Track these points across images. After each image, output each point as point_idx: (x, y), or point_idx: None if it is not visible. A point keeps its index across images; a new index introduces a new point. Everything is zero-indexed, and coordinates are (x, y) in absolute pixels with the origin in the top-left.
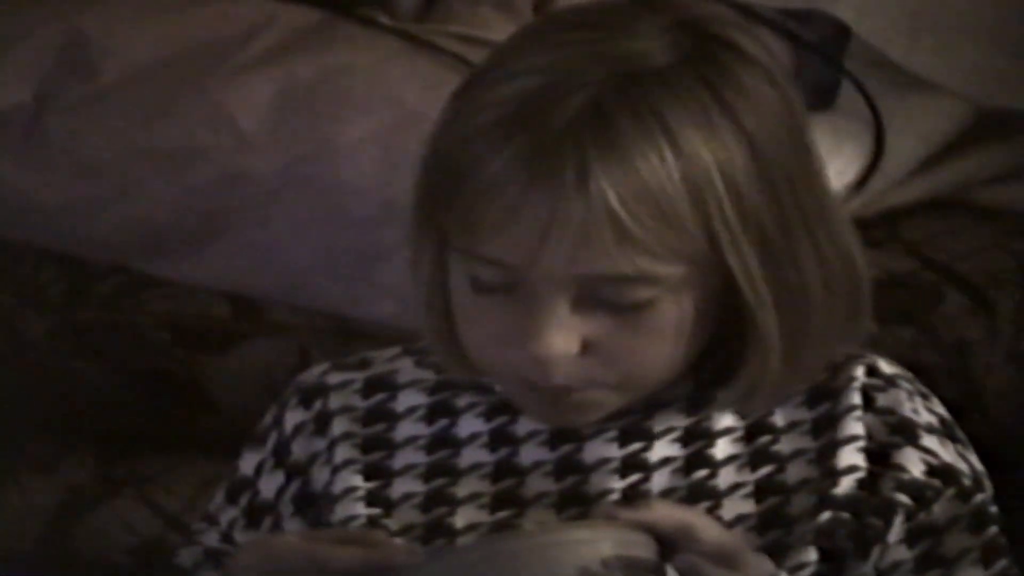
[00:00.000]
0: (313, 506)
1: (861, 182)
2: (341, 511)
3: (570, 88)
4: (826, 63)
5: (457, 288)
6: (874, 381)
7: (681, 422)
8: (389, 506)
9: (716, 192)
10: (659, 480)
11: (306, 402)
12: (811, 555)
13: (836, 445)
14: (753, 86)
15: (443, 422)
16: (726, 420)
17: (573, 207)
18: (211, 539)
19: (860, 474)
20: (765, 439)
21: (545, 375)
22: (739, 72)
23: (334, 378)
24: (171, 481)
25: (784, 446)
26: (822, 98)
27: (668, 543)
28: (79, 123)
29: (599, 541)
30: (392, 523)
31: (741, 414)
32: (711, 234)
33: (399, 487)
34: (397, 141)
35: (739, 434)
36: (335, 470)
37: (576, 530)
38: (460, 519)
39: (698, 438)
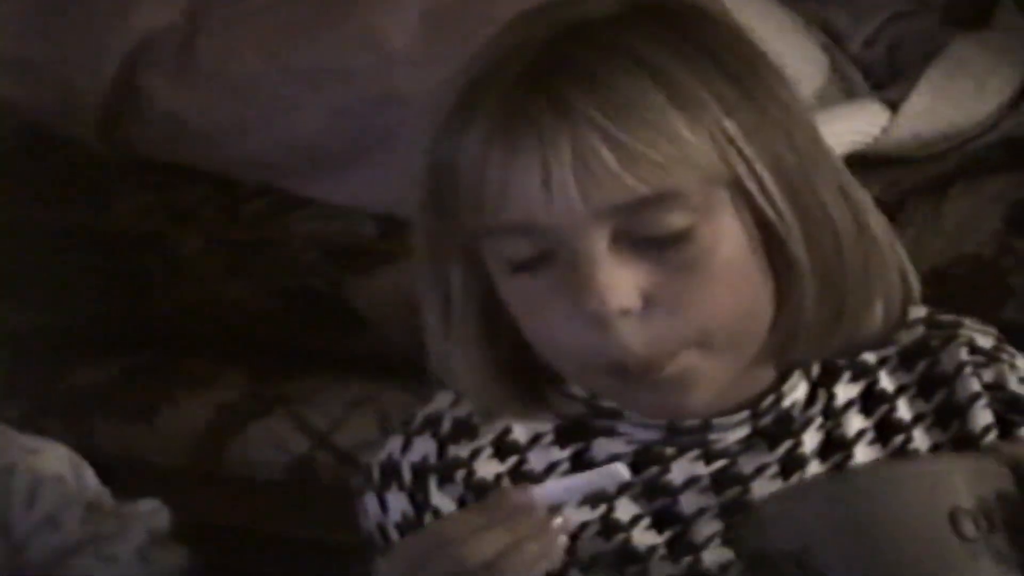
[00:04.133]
0: None
1: (1018, 101)
2: None
3: (518, 46)
4: None
5: (505, 287)
6: (977, 359)
7: (815, 412)
8: None
9: (702, 101)
10: (813, 469)
11: (443, 482)
12: None
13: (975, 439)
14: (719, 30)
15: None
16: (849, 391)
17: (561, 139)
18: None
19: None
20: (883, 408)
21: (617, 341)
22: (697, 16)
23: (462, 450)
24: (320, 400)
25: (917, 438)
26: (979, 16)
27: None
28: (228, 43)
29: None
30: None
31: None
32: (716, 144)
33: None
34: None
35: (859, 407)
36: None
37: (947, 462)
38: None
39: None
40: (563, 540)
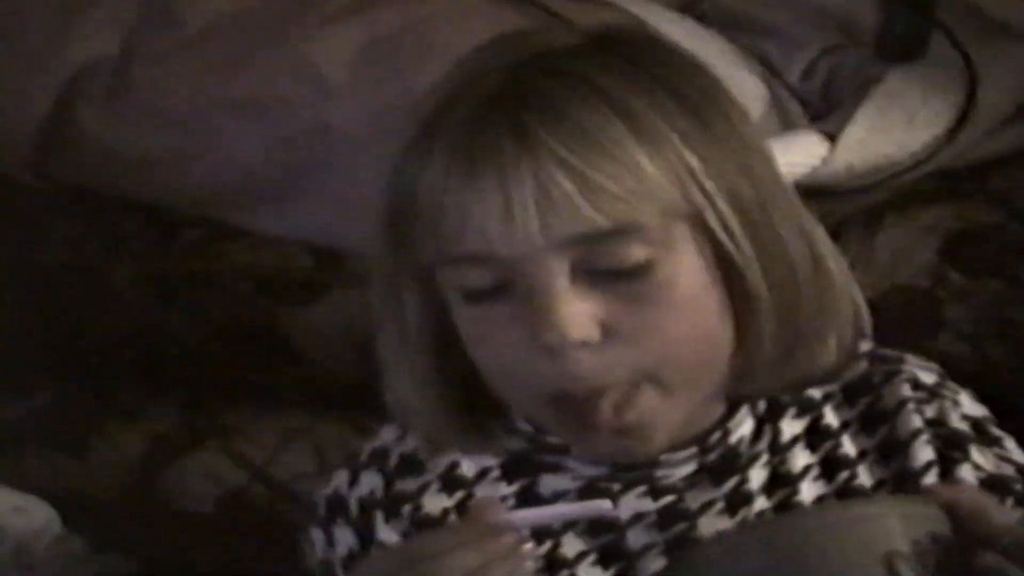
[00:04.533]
0: None
1: (952, 133)
2: None
3: (480, 76)
4: (916, 12)
5: (460, 316)
6: (919, 395)
7: (762, 448)
8: None
9: (663, 134)
10: (759, 505)
11: (389, 516)
12: None
13: (915, 475)
14: (679, 64)
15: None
16: (794, 427)
17: (522, 169)
18: None
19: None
20: (828, 444)
21: (574, 373)
22: (657, 50)
23: (408, 485)
24: (254, 432)
25: (862, 474)
26: (913, 48)
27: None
28: (163, 75)
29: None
30: None
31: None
32: (676, 177)
33: None
34: None
35: (804, 443)
36: None
37: (883, 506)
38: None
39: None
40: (529, 567)
